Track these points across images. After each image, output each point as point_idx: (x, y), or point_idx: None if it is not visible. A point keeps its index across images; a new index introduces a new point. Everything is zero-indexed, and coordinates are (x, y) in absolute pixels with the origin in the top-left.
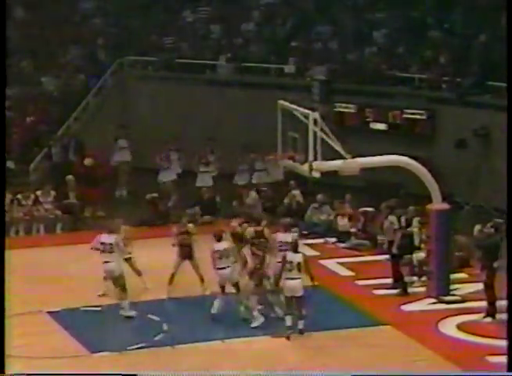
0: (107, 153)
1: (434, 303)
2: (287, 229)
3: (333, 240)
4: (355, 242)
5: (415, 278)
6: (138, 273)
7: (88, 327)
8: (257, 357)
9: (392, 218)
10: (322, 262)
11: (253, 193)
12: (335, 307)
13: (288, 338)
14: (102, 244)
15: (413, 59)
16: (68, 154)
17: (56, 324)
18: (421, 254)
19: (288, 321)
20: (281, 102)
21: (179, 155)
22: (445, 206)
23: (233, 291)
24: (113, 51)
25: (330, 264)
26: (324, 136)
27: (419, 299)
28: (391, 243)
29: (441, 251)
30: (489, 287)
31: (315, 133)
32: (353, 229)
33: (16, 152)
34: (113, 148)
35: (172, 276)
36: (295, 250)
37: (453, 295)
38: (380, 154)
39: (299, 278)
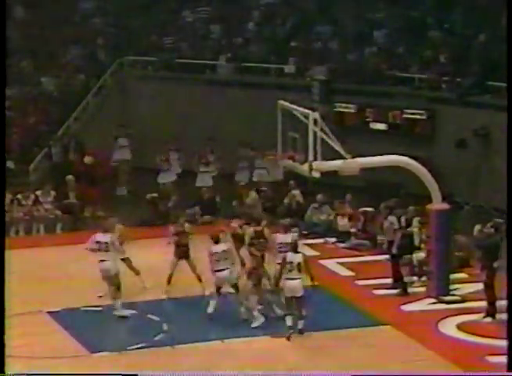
0: (107, 152)
1: (434, 303)
2: (287, 229)
3: (333, 240)
4: (354, 242)
5: (415, 278)
6: (137, 272)
7: (88, 327)
8: (257, 357)
9: (392, 218)
10: (322, 262)
11: (253, 193)
12: (335, 307)
13: (289, 338)
14: (97, 242)
15: (413, 59)
16: (68, 154)
17: (56, 324)
18: (421, 254)
19: (288, 321)
20: (281, 102)
21: (179, 155)
22: (445, 206)
23: (232, 291)
24: (113, 51)
25: (330, 264)
26: (324, 136)
27: (419, 299)
28: (390, 243)
29: (441, 251)
30: (489, 287)
31: (315, 133)
32: (353, 229)
33: (16, 152)
34: (113, 147)
35: (170, 276)
36: (295, 250)
37: (453, 295)
38: (380, 154)
39: (299, 278)
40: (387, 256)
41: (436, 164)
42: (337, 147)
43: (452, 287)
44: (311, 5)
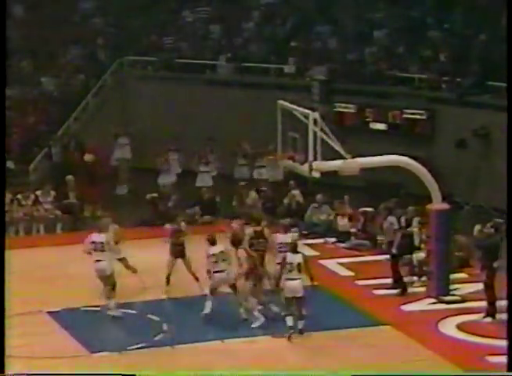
0: (107, 151)
1: (434, 303)
2: (287, 229)
3: (333, 240)
4: (354, 242)
5: (415, 278)
6: (134, 271)
7: (88, 327)
8: (257, 357)
9: (392, 218)
10: (322, 262)
11: (253, 193)
12: (335, 307)
13: (289, 338)
14: (93, 243)
15: (413, 59)
16: (68, 154)
17: (56, 324)
18: (421, 254)
19: (289, 322)
20: (281, 102)
21: (179, 155)
22: (445, 206)
23: (230, 292)
24: (113, 51)
25: (330, 264)
26: (324, 136)
27: (419, 299)
28: (390, 243)
29: (441, 251)
30: (489, 287)
31: (315, 133)
32: (353, 229)
33: (16, 152)
34: (113, 146)
35: (168, 276)
36: (295, 250)
37: (453, 295)
38: (380, 154)
39: (299, 279)
40: (387, 256)
41: (436, 164)
42: (337, 147)
43: (452, 287)
44: (311, 5)
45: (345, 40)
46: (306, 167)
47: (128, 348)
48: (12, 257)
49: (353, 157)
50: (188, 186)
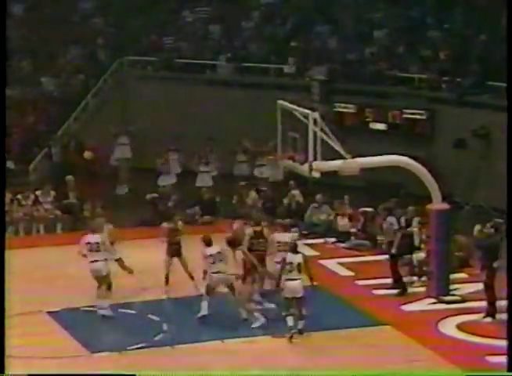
0: (107, 150)
1: (434, 303)
2: (285, 228)
3: (333, 240)
4: (354, 242)
5: (415, 278)
6: (130, 272)
7: (88, 327)
8: (257, 357)
9: (391, 219)
10: (322, 262)
11: (253, 193)
12: (335, 307)
13: (291, 338)
14: (88, 243)
15: (413, 59)
16: (68, 154)
17: (56, 324)
18: (421, 254)
19: (290, 322)
20: (281, 102)
21: (179, 155)
22: (445, 206)
23: (228, 292)
24: (113, 51)
25: (330, 264)
26: (324, 136)
27: (419, 299)
28: (390, 243)
29: (441, 251)
30: (489, 287)
31: (315, 133)
32: (353, 230)
33: (16, 152)
34: (113, 146)
35: (167, 276)
36: (295, 251)
37: (453, 295)
38: (380, 154)
39: (299, 279)
40: (387, 256)
41: (436, 164)
42: (337, 147)
43: (452, 287)
44: (311, 5)
45: (345, 40)
46: (306, 167)
47: (128, 348)
48: (12, 257)
49: (353, 157)
50: (188, 186)
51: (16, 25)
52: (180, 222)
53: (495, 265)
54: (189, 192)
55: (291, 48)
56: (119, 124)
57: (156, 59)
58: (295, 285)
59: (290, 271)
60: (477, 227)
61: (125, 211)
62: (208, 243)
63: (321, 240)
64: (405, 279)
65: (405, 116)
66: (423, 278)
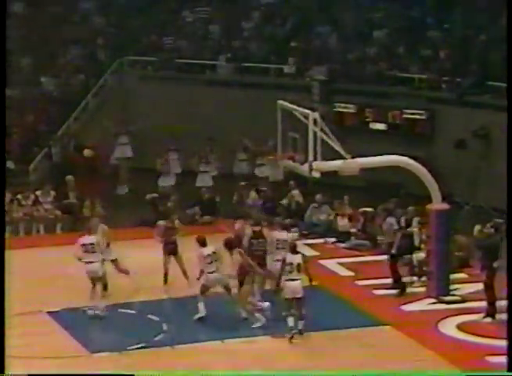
0: (107, 151)
1: (434, 303)
2: (283, 227)
3: (333, 240)
4: (354, 242)
5: (415, 278)
6: (126, 273)
7: (88, 327)
8: (257, 357)
9: (391, 219)
10: (322, 262)
11: (253, 193)
12: (335, 307)
13: (291, 339)
14: (83, 245)
15: (413, 59)
16: (68, 154)
17: (56, 324)
18: (421, 255)
19: (290, 322)
20: (281, 102)
21: (179, 155)
22: (445, 206)
23: (224, 292)
24: (113, 51)
25: (330, 264)
26: (324, 136)
27: (419, 299)
28: (390, 244)
29: (441, 251)
30: (489, 287)
31: (315, 133)
32: (353, 230)
33: (16, 152)
34: (113, 146)
35: (165, 275)
36: (294, 251)
37: (453, 295)
38: (380, 154)
39: (299, 279)
40: (387, 256)
41: (436, 164)
42: (337, 147)
43: (452, 287)
44: (311, 5)
45: (345, 40)
46: (306, 167)
47: (128, 348)
48: (12, 257)
49: (353, 157)
50: (188, 186)
51: (16, 25)
52: (177, 221)
53: (495, 265)
54: (189, 192)
55: (291, 48)
56: (119, 124)
57: (156, 59)
58: (295, 285)
59: (290, 271)
60: (477, 227)
61: (125, 211)
62: (203, 243)
63: (321, 240)
64: (405, 279)
65: (405, 116)
66: (423, 278)
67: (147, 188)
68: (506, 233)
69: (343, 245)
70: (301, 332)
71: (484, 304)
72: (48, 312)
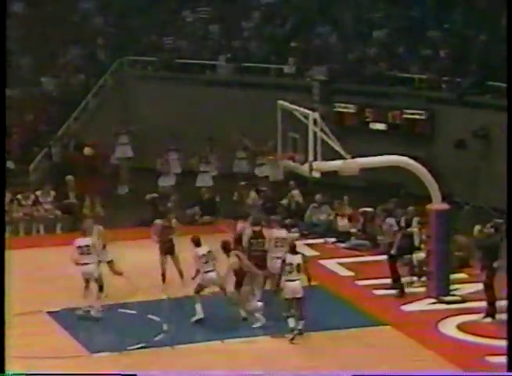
0: (108, 151)
1: (434, 303)
2: (282, 225)
3: (333, 240)
4: (354, 242)
5: (415, 278)
6: (120, 274)
7: (88, 327)
8: (257, 357)
9: (391, 220)
10: (322, 262)
11: (253, 193)
12: (335, 307)
13: (292, 339)
14: (79, 247)
15: (413, 59)
16: (68, 154)
17: (56, 324)
18: (421, 255)
19: (291, 323)
20: (281, 102)
21: (179, 155)
22: (445, 206)
23: (220, 292)
24: (113, 51)
25: (330, 264)
26: (324, 136)
27: (419, 299)
28: (390, 244)
29: (441, 251)
30: (489, 287)
31: (315, 133)
32: (353, 230)
33: (16, 152)
34: (113, 146)
35: (163, 274)
36: (294, 251)
37: (453, 295)
38: (380, 154)
39: (299, 279)
40: (387, 256)
41: (436, 164)
42: (337, 147)
43: (452, 287)
44: (311, 5)
45: (345, 40)
46: (306, 167)
47: (128, 348)
48: (12, 257)
49: (353, 157)
50: (188, 186)
51: (16, 25)
52: (174, 220)
53: (495, 265)
54: (189, 192)
55: (291, 48)
56: (119, 123)
57: (156, 59)
58: (295, 286)
59: (290, 272)
60: (477, 227)
61: (125, 211)
62: (197, 243)
63: (321, 240)
64: (405, 279)
65: (405, 116)
66: (423, 278)
67: (147, 188)
68: (506, 233)
69: (343, 245)
70: (301, 332)
71: (484, 304)
72: (48, 312)
